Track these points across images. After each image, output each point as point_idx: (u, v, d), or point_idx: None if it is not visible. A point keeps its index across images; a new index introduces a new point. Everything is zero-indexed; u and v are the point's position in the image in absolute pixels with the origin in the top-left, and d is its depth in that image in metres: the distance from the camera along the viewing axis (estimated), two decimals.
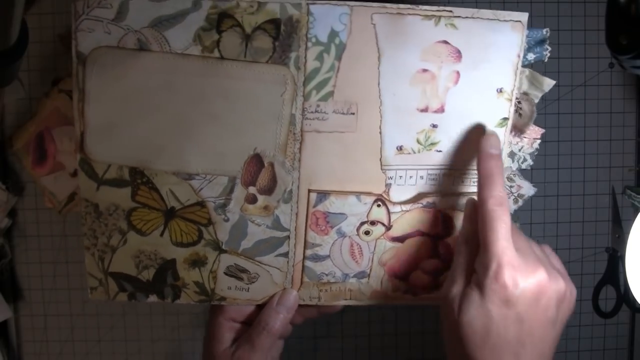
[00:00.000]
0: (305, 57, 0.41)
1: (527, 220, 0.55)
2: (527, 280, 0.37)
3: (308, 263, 0.45)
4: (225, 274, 0.45)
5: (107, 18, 0.40)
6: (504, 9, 0.53)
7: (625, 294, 0.54)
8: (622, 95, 0.54)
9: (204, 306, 0.53)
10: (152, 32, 0.40)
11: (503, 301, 0.37)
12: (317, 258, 0.45)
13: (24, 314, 0.56)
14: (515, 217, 0.53)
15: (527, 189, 0.51)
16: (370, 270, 0.46)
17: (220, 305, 0.46)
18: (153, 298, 0.45)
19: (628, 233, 0.50)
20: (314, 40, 0.41)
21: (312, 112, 0.42)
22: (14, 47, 0.37)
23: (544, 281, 0.38)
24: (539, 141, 0.50)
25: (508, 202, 0.40)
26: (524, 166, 0.50)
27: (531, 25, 0.52)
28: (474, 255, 0.40)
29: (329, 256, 0.45)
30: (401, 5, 0.40)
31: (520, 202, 0.52)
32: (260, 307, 0.46)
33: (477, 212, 0.40)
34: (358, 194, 0.44)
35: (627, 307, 0.55)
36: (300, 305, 0.46)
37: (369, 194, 0.44)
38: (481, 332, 0.37)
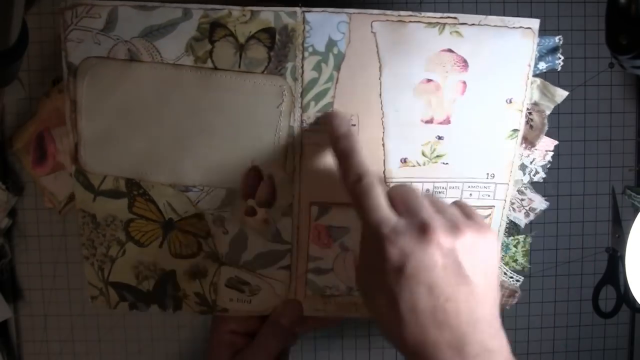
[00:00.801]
0: (302, 67, 0.39)
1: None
2: (415, 245, 0.32)
3: (311, 276, 0.43)
4: (227, 285, 0.43)
5: (96, 28, 0.38)
6: (504, 9, 0.52)
7: (625, 294, 0.54)
8: (622, 95, 0.54)
9: None
10: (143, 42, 0.38)
11: (395, 274, 0.32)
12: (320, 271, 0.43)
13: (24, 314, 0.55)
14: (528, 230, 0.51)
15: (539, 203, 0.49)
16: None
17: (223, 316, 0.45)
18: (154, 308, 0.44)
19: (628, 233, 0.50)
20: (310, 49, 0.39)
21: (311, 123, 0.40)
22: (14, 47, 0.37)
23: (436, 237, 0.32)
24: (551, 153, 0.47)
25: (370, 174, 0.36)
26: (536, 179, 0.48)
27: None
28: None
29: (332, 269, 0.43)
30: (402, 12, 0.38)
31: (532, 216, 0.50)
32: (263, 318, 0.45)
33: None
34: None
35: (627, 307, 0.55)
36: (303, 317, 0.45)
37: None
38: (394, 314, 0.33)
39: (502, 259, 0.45)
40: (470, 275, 0.33)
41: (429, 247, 0.32)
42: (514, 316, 0.56)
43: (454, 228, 0.34)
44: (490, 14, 0.51)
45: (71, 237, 0.55)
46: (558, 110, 0.53)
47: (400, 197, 0.36)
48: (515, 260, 0.46)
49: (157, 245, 0.43)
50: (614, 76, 0.54)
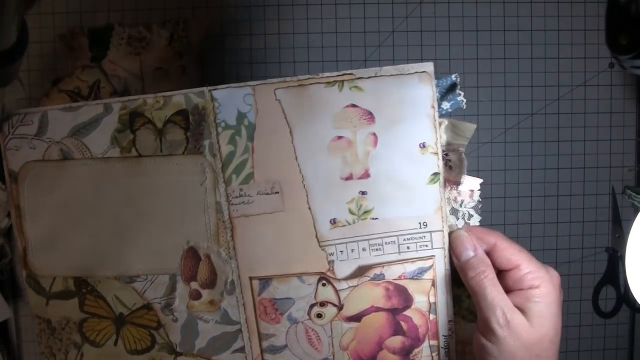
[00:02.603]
0: (219, 142, 0.41)
1: (527, 221, 0.55)
2: None
3: (267, 356, 0.44)
4: None
5: (30, 134, 0.42)
6: (503, 10, 0.52)
7: (625, 294, 0.54)
8: (622, 95, 0.55)
9: None
10: (73, 141, 0.42)
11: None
12: (275, 349, 0.43)
13: (24, 314, 0.56)
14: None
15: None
16: (333, 357, 0.43)
17: None
18: None
19: (628, 233, 0.50)
20: (223, 124, 0.41)
21: (236, 196, 0.42)
22: (14, 47, 0.37)
23: None
24: (479, 192, 0.44)
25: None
26: (471, 222, 0.44)
27: (531, 27, 0.52)
28: None
29: (286, 346, 0.43)
30: (301, 77, 0.40)
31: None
32: None
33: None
34: (299, 275, 0.42)
35: (627, 307, 0.55)
36: None
37: (310, 273, 0.42)
38: None
39: (456, 313, 0.43)
40: None
41: None
42: None
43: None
44: (491, 15, 0.52)
45: None
46: (558, 110, 0.54)
47: None
48: (472, 312, 0.44)
49: (112, 343, 0.44)
50: (614, 76, 0.54)
